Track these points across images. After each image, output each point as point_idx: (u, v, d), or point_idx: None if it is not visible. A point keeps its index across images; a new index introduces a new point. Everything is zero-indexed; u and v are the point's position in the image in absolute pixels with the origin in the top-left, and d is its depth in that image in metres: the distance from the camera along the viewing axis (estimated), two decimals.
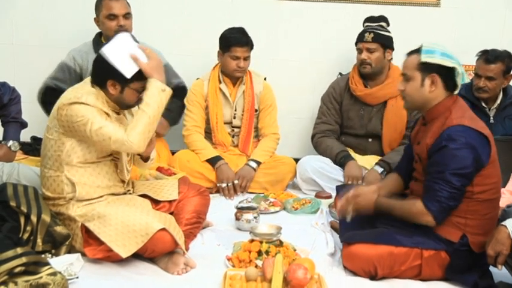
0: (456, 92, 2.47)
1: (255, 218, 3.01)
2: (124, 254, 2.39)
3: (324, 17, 4.12)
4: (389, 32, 3.63)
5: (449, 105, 2.44)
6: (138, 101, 2.53)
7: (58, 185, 2.53)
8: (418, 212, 2.39)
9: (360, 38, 3.63)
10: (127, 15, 3.50)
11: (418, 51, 2.47)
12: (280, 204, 3.39)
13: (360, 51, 3.63)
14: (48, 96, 3.53)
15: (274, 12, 4.13)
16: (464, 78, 2.46)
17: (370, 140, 3.72)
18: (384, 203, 2.54)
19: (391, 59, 3.66)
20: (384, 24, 3.65)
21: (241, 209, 3.05)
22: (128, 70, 2.46)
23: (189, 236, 2.70)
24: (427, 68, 2.43)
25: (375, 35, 3.57)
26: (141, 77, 2.48)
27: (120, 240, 2.39)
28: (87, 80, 2.59)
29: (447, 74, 2.42)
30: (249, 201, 3.31)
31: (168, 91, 2.52)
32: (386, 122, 3.65)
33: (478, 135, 2.35)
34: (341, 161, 3.63)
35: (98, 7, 3.49)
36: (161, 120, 3.78)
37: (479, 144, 2.34)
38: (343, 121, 3.79)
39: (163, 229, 2.40)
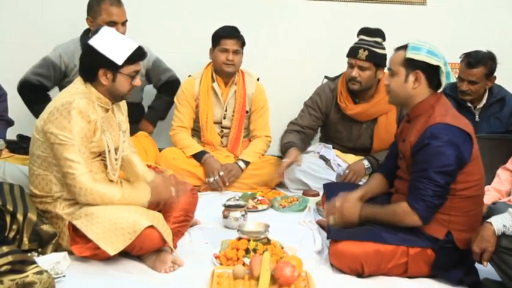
0: (440, 90, 2.50)
1: (243, 216, 3.01)
2: (111, 252, 2.38)
3: (313, 16, 4.13)
4: (384, 48, 3.43)
5: (432, 103, 2.46)
6: (131, 89, 2.57)
7: (46, 184, 2.52)
8: (404, 213, 2.41)
9: (353, 53, 3.42)
10: (124, 22, 3.47)
11: (405, 47, 2.49)
12: (267, 202, 3.40)
13: (351, 66, 3.45)
14: (29, 93, 3.51)
15: (265, 11, 4.14)
16: (449, 77, 2.47)
17: (358, 150, 3.68)
18: (368, 213, 2.55)
19: (382, 77, 3.45)
20: (379, 40, 3.42)
21: (228, 207, 3.05)
22: (118, 56, 2.47)
23: (177, 234, 2.70)
24: (411, 65, 2.46)
25: (370, 53, 3.37)
26: (131, 60, 2.50)
27: (107, 238, 2.38)
28: (78, 80, 2.58)
29: (431, 72, 2.45)
30: (236, 199, 3.32)
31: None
32: (376, 137, 3.58)
33: (461, 132, 2.37)
34: (284, 151, 3.56)
35: (95, 10, 3.43)
36: (146, 125, 3.80)
37: (461, 142, 2.36)
38: (331, 132, 3.73)
39: (151, 226, 2.39)
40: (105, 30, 2.53)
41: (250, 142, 3.80)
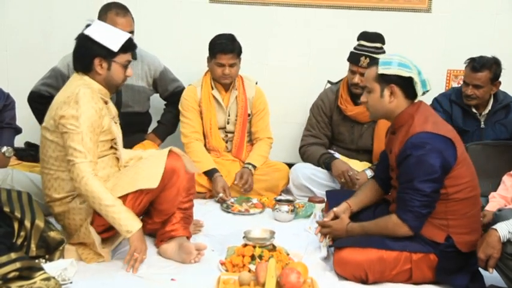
0: (417, 99, 2.51)
1: (292, 210, 3.24)
2: (155, 183, 2.48)
3: (317, 23, 4.14)
4: (384, 52, 3.44)
5: (412, 113, 2.47)
6: (124, 80, 2.64)
7: (67, 184, 2.54)
8: (395, 225, 2.43)
9: (355, 60, 3.46)
10: (130, 33, 3.45)
11: (376, 63, 2.51)
12: (261, 205, 3.44)
13: (352, 72, 3.49)
14: (38, 104, 3.54)
15: (269, 18, 4.15)
16: (425, 85, 2.49)
17: (360, 152, 3.71)
18: (356, 228, 2.58)
19: None
20: (379, 45, 3.46)
21: (279, 201, 3.28)
22: (114, 44, 2.55)
23: (188, 219, 2.76)
24: (384, 80, 2.48)
25: (371, 60, 3.34)
26: (125, 48, 2.58)
27: (142, 178, 2.49)
28: (73, 77, 2.62)
29: (405, 84, 2.46)
30: (232, 203, 3.41)
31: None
32: (377, 138, 3.59)
33: (442, 139, 2.38)
34: (326, 161, 3.59)
35: (102, 18, 3.42)
36: (153, 137, 3.80)
37: (444, 148, 2.36)
38: (334, 134, 3.75)
39: (171, 151, 2.59)
40: (98, 22, 2.63)
41: (254, 145, 3.81)
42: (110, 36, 2.56)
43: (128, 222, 2.47)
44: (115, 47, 2.54)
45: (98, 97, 2.55)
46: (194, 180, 2.89)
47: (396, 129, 2.53)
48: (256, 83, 3.83)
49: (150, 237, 2.81)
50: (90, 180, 2.42)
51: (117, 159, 2.66)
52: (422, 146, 2.35)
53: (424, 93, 2.52)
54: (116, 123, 2.70)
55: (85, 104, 2.45)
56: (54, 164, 2.55)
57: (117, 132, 2.67)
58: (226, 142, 3.79)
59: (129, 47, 2.62)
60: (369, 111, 2.61)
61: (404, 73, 2.45)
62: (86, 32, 2.56)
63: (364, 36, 3.51)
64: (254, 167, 3.67)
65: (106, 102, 2.63)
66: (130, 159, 2.83)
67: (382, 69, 2.47)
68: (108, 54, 2.55)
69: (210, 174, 3.59)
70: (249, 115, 3.78)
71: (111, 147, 2.63)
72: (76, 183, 2.44)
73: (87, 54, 2.56)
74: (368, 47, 3.45)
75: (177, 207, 2.69)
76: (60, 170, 2.54)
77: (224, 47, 3.55)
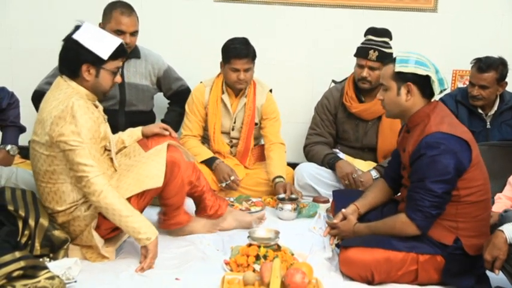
0: (434, 98, 2.50)
1: (294, 209, 3.24)
2: (159, 183, 2.53)
3: (321, 22, 4.14)
4: (391, 47, 3.47)
5: (428, 112, 2.46)
6: (112, 86, 2.57)
7: (68, 195, 2.51)
8: (403, 224, 2.42)
9: (363, 54, 3.46)
10: (134, 33, 3.45)
11: (393, 60, 2.50)
12: (262, 204, 3.42)
13: (360, 67, 3.49)
14: (40, 102, 3.53)
15: (273, 17, 4.15)
16: (443, 84, 2.48)
17: (365, 150, 3.71)
18: (363, 229, 2.58)
19: None
20: (387, 39, 3.47)
21: (282, 200, 3.26)
22: (104, 51, 2.46)
23: (208, 190, 2.96)
24: (401, 78, 2.46)
25: (380, 54, 3.40)
26: (115, 55, 2.49)
27: (145, 178, 2.51)
28: (59, 82, 2.52)
29: (422, 82, 2.45)
30: (232, 202, 3.38)
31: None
32: (381, 135, 3.60)
33: (457, 140, 2.36)
34: (330, 161, 3.58)
35: (107, 16, 3.42)
36: None
37: (459, 149, 2.35)
38: (338, 133, 3.76)
39: (173, 150, 2.64)
40: (88, 26, 2.50)
41: (270, 151, 3.67)
42: (100, 42, 2.46)
43: (148, 230, 2.50)
44: (105, 54, 2.45)
45: (91, 105, 2.50)
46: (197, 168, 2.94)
47: (411, 128, 2.52)
48: (271, 91, 3.75)
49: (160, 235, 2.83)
50: (109, 193, 2.42)
51: (111, 159, 2.64)
52: (437, 146, 2.33)
53: (441, 92, 2.50)
54: (105, 121, 2.66)
55: (82, 117, 2.38)
56: (52, 177, 2.50)
57: (109, 133, 2.62)
58: (231, 147, 3.75)
59: (119, 53, 2.51)
60: (385, 109, 2.60)
61: (422, 71, 2.43)
62: (75, 37, 2.44)
63: (372, 31, 3.53)
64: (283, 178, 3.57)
65: (97, 106, 2.58)
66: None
67: (399, 67, 2.46)
68: (97, 61, 2.45)
69: (210, 162, 3.56)
70: (256, 124, 3.71)
71: (105, 150, 2.60)
72: (94, 197, 2.41)
73: (74, 59, 2.45)
74: (376, 41, 3.46)
75: (201, 192, 2.90)
76: (60, 183, 2.49)
77: (239, 52, 3.46)
